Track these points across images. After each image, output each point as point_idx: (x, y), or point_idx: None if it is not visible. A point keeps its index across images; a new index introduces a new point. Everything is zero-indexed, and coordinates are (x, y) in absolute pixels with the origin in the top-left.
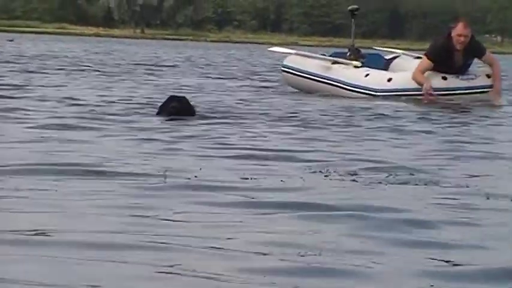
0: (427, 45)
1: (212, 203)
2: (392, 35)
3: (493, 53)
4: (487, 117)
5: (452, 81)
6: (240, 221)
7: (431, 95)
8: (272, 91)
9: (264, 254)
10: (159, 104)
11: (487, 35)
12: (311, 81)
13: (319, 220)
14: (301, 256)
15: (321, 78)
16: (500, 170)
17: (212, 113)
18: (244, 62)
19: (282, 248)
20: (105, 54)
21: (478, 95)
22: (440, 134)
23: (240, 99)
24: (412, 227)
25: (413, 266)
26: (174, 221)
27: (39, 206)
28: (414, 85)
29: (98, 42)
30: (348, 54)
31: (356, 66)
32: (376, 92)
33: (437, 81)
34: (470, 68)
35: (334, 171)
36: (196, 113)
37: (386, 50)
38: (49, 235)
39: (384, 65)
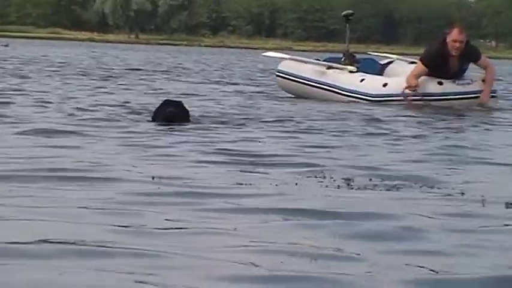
0: (421, 50)
1: (205, 209)
2: (386, 40)
3: (488, 58)
4: (482, 122)
5: (448, 86)
6: (233, 228)
7: (410, 99)
8: (266, 96)
9: (253, 263)
10: (153, 109)
11: (482, 40)
12: (306, 86)
13: (312, 227)
14: (292, 263)
15: (316, 83)
16: (496, 176)
17: (206, 118)
18: (238, 67)
19: (274, 255)
20: (99, 59)
21: (474, 100)
22: (435, 139)
23: (234, 104)
24: (405, 234)
25: (404, 273)
26: (165, 228)
27: (29, 213)
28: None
29: (92, 47)
30: (343, 59)
31: (351, 71)
32: (371, 97)
33: (433, 86)
34: (465, 73)
35: (329, 177)
36: (191, 118)
37: (381, 55)
38: (41, 242)
39: (379, 70)
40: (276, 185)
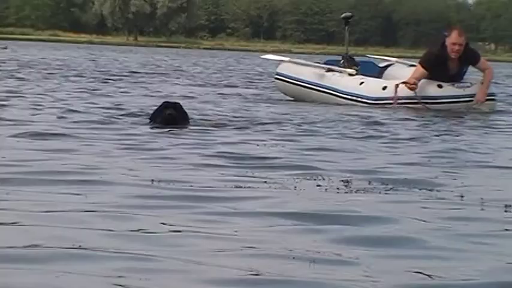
0: (420, 53)
1: (203, 213)
2: (385, 43)
3: (487, 61)
4: (481, 125)
5: (448, 89)
6: (231, 232)
7: (398, 102)
8: (265, 99)
9: (251, 267)
10: (152, 111)
11: (480, 43)
12: (305, 88)
13: (310, 231)
14: (290, 267)
15: (315, 85)
16: (495, 179)
17: (205, 120)
18: (237, 69)
19: (272, 259)
20: (97, 61)
21: (471, 101)
22: (435, 142)
23: (233, 107)
24: (403, 238)
25: (402, 278)
26: (162, 232)
27: (25, 217)
28: (409, 93)
29: (91, 49)
30: (342, 62)
31: (351, 74)
32: (371, 100)
33: (432, 89)
34: (465, 76)
35: (328, 180)
36: (189, 121)
37: (380, 58)
38: (37, 246)
39: (378, 72)
40: (275, 188)
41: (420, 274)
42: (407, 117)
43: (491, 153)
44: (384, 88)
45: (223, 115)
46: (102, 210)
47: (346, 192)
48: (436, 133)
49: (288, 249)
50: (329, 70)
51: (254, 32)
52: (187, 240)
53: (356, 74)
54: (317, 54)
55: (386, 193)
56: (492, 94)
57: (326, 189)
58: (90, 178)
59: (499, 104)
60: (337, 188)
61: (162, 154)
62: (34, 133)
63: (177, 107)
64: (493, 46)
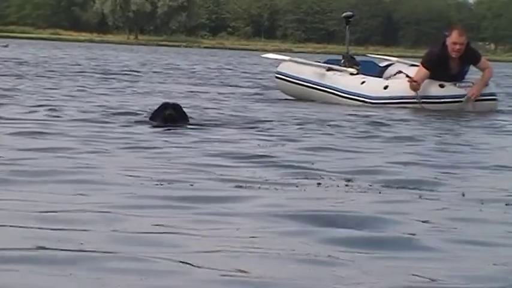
0: (420, 52)
1: (201, 213)
2: (385, 42)
3: (487, 60)
4: (482, 125)
5: (450, 89)
6: (230, 232)
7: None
8: (265, 98)
9: (248, 268)
10: (151, 110)
11: (480, 43)
12: (305, 88)
13: (309, 232)
14: (287, 268)
15: (316, 85)
16: (495, 180)
17: (205, 119)
18: (237, 68)
19: (268, 260)
20: (98, 59)
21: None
22: (435, 142)
23: (233, 106)
24: (402, 239)
25: (400, 280)
26: (161, 232)
27: (23, 218)
28: (411, 93)
29: (92, 48)
30: (342, 61)
31: (352, 74)
32: (371, 99)
33: (434, 89)
34: (467, 76)
35: (327, 180)
36: (189, 120)
37: (381, 57)
38: (36, 248)
39: (378, 72)
40: (275, 188)
41: (418, 276)
42: (407, 117)
43: (491, 153)
44: (385, 88)
45: (224, 114)
46: (102, 210)
47: (345, 192)
48: (436, 133)
49: (287, 249)
50: (330, 69)
51: (255, 31)
52: (188, 240)
53: (357, 73)
54: (318, 53)
55: (385, 193)
56: (493, 94)
57: (326, 189)
58: (88, 178)
59: (499, 104)
60: (337, 188)
61: (161, 154)
62: (32, 132)
63: (176, 107)
64: (493, 46)
